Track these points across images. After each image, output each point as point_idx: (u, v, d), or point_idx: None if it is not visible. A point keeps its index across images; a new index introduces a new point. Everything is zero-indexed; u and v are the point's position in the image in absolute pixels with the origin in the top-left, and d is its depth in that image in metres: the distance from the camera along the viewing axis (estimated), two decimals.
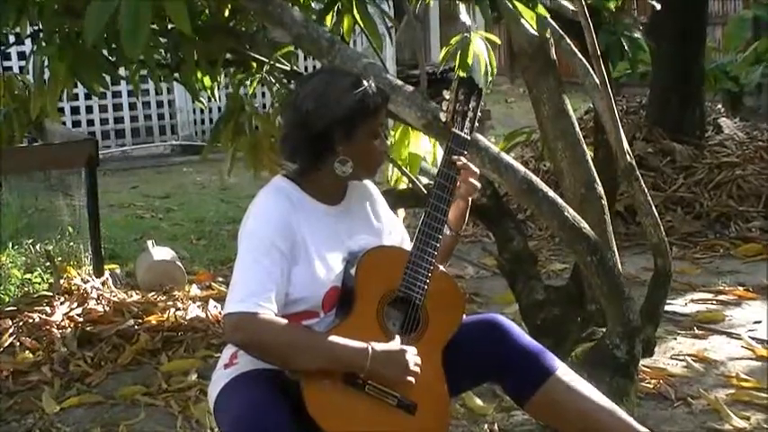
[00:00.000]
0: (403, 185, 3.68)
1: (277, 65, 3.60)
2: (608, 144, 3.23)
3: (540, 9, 2.85)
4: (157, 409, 3.41)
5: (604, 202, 3.22)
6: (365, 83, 2.19)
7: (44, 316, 4.21)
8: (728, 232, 5.60)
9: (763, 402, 3.26)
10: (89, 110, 9.85)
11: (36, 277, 4.85)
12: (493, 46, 3.01)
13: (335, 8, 3.34)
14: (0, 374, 3.70)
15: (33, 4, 3.08)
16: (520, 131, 4.22)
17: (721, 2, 13.29)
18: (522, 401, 2.34)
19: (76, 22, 3.10)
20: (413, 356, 2.14)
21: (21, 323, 4.15)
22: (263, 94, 9.64)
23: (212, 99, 4.04)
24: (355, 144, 2.19)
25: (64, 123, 8.90)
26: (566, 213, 2.85)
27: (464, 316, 2.34)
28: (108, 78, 3.33)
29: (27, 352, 3.90)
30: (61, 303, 4.37)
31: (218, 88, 3.92)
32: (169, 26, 3.20)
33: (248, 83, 3.88)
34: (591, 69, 3.01)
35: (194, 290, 4.75)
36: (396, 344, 2.14)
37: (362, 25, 3.25)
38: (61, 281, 4.64)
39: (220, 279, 4.94)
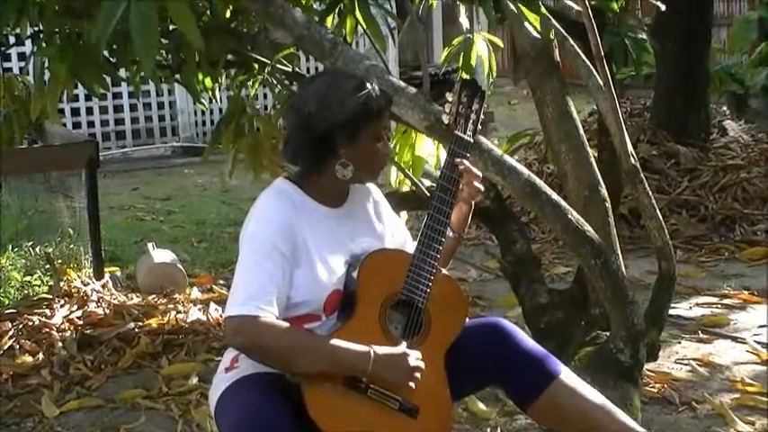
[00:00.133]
0: (406, 188, 3.68)
1: (279, 66, 3.60)
2: (612, 146, 3.23)
3: (544, 11, 2.85)
4: (158, 413, 3.41)
5: (608, 204, 3.22)
6: (368, 85, 2.19)
7: (44, 319, 4.21)
8: (733, 235, 5.60)
9: None
10: (89, 111, 9.86)
11: (36, 280, 4.86)
12: (496, 48, 3.02)
13: (337, 9, 3.34)
14: None
15: (34, 5, 3.09)
16: (523, 134, 4.22)
17: (726, 3, 13.30)
18: (525, 406, 2.34)
19: (77, 23, 3.11)
20: (415, 360, 2.14)
21: (20, 326, 4.15)
22: (265, 96, 9.66)
23: (213, 100, 4.04)
24: (358, 147, 2.19)
25: (64, 125, 8.91)
26: (569, 216, 2.85)
27: (467, 319, 2.34)
28: (108, 79, 3.34)
29: (27, 355, 3.90)
30: (61, 306, 4.37)
31: (220, 89, 3.93)
32: (170, 27, 3.20)
33: (249, 84, 3.88)
34: (595, 71, 3.01)
35: (195, 293, 4.75)
36: (398, 347, 2.14)
37: (365, 26, 3.25)
38: (61, 283, 4.64)
39: (221, 282, 4.94)
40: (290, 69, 3.67)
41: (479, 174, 2.33)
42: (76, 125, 9.72)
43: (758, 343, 3.90)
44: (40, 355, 3.89)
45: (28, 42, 3.52)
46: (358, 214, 2.32)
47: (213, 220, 6.80)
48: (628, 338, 2.93)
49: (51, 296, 4.51)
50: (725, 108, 7.72)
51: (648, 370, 3.40)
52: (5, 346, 3.95)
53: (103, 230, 5.10)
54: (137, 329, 4.13)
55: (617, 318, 2.93)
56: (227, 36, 3.50)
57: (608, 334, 3.05)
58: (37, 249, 5.23)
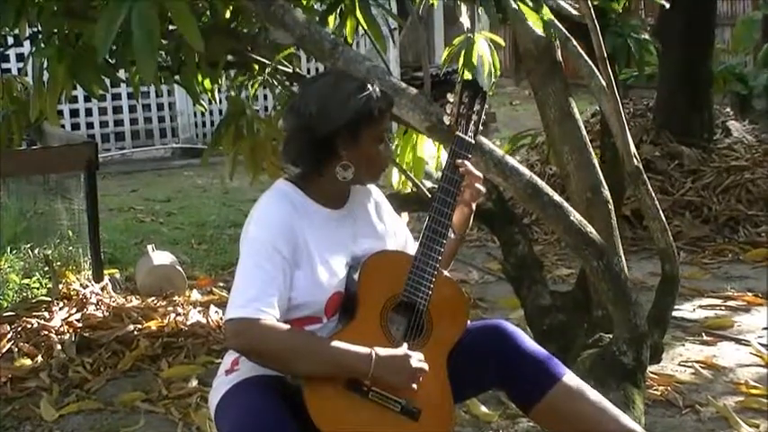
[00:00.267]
0: (407, 189, 3.68)
1: (279, 67, 3.60)
2: (615, 147, 3.23)
3: (546, 12, 2.85)
4: (157, 416, 3.41)
5: (611, 206, 3.22)
6: (369, 87, 2.20)
7: (43, 321, 4.21)
8: (737, 237, 5.60)
9: None
10: (88, 112, 9.88)
11: (34, 282, 4.86)
12: (498, 48, 3.02)
13: (338, 9, 3.34)
14: None
15: (32, 6, 3.09)
16: (525, 134, 4.23)
17: (730, 3, 13.30)
18: (528, 408, 2.34)
19: (76, 24, 3.12)
20: (417, 362, 2.14)
21: (19, 329, 4.16)
22: (265, 97, 9.68)
23: (213, 102, 4.04)
24: (359, 149, 2.19)
25: (63, 126, 8.91)
26: (571, 218, 2.85)
27: (468, 321, 2.34)
28: (107, 81, 3.34)
29: (25, 358, 3.90)
30: (60, 309, 4.38)
31: (219, 91, 3.93)
32: (170, 27, 3.21)
33: (249, 85, 3.88)
34: (597, 71, 3.01)
35: (195, 295, 4.76)
36: (400, 349, 2.15)
37: (366, 27, 3.25)
38: (60, 286, 4.64)
39: (221, 284, 4.95)
40: (290, 70, 3.67)
41: (480, 175, 2.33)
42: (75, 126, 9.73)
43: (762, 345, 3.89)
44: (39, 358, 3.89)
45: (27, 43, 3.52)
46: (359, 215, 2.32)
47: (213, 222, 6.80)
48: (631, 341, 2.92)
49: (50, 299, 4.51)
50: (728, 108, 7.71)
51: (652, 372, 3.40)
52: (4, 349, 3.95)
53: (102, 232, 5.11)
54: (136, 332, 4.13)
55: (620, 320, 2.93)
56: (227, 36, 3.50)
57: (611, 336, 3.05)
58: (35, 252, 5.23)
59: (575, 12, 3.06)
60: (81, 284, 4.69)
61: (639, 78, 5.24)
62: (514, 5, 2.78)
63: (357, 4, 3.19)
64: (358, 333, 2.14)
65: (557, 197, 2.85)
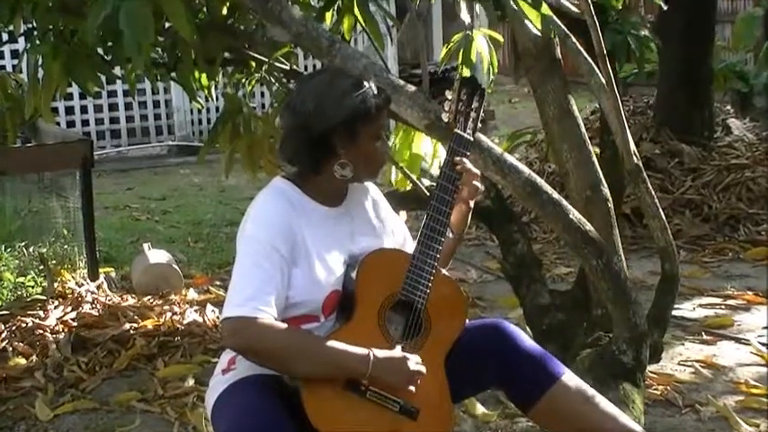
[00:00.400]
0: (405, 187, 3.68)
1: (276, 64, 3.60)
2: (614, 145, 3.23)
3: (545, 8, 2.85)
4: (153, 416, 3.41)
5: (610, 204, 3.22)
6: (366, 84, 2.20)
7: (37, 320, 4.22)
8: (738, 235, 5.60)
9: None
10: (84, 109, 9.86)
11: (29, 281, 4.86)
12: (496, 45, 3.02)
13: (336, 6, 3.34)
14: None
15: (27, 2, 3.09)
16: (524, 132, 4.22)
17: None
18: (527, 408, 2.35)
19: (71, 20, 3.11)
20: (415, 364, 2.14)
21: (14, 328, 4.16)
22: (262, 94, 9.67)
23: (210, 99, 4.04)
24: (357, 147, 2.19)
25: (58, 123, 8.90)
26: (571, 216, 2.86)
27: (467, 320, 2.34)
28: (103, 78, 3.34)
29: (20, 357, 3.90)
30: (55, 307, 4.38)
31: (216, 88, 3.93)
32: (166, 25, 3.20)
33: (246, 82, 3.88)
34: (597, 69, 3.01)
35: (191, 294, 4.76)
36: (398, 350, 2.15)
37: (363, 24, 3.25)
38: (55, 284, 4.64)
39: (218, 283, 4.95)
40: (287, 67, 3.67)
41: (479, 172, 2.34)
42: (71, 124, 9.72)
43: (762, 344, 3.90)
44: (34, 358, 3.89)
45: (21, 40, 3.52)
46: (357, 214, 2.33)
47: (210, 220, 6.80)
48: (630, 340, 2.93)
49: (45, 297, 4.51)
50: (729, 106, 7.71)
51: (651, 372, 3.41)
52: None
53: (98, 231, 5.10)
54: (132, 331, 4.13)
55: (619, 319, 2.94)
56: (224, 33, 3.50)
57: (610, 335, 3.06)
58: (30, 250, 5.23)
59: (574, 8, 3.06)
60: (76, 283, 4.69)
61: (639, 76, 5.25)
62: (513, 3, 2.78)
63: (355, 0, 3.19)
64: (355, 332, 2.14)
65: (556, 195, 2.85)
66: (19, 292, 4.72)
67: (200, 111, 10.18)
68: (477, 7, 3.06)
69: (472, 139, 2.34)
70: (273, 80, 3.76)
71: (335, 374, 2.09)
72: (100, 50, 3.22)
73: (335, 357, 2.08)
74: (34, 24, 3.31)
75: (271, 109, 3.99)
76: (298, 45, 3.10)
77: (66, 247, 5.15)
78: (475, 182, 2.31)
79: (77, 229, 5.05)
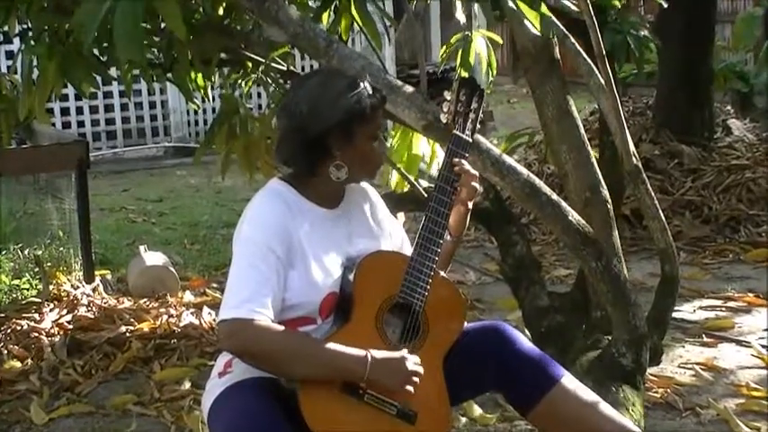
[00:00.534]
0: (403, 189, 3.68)
1: (273, 65, 3.60)
2: (613, 146, 3.23)
3: (544, 9, 2.85)
4: (149, 420, 3.41)
5: (610, 205, 3.22)
6: (361, 84, 2.19)
7: (33, 323, 4.21)
8: (738, 237, 5.61)
9: None
10: (79, 111, 9.86)
11: (24, 283, 4.86)
12: (495, 45, 3.02)
13: (333, 6, 3.34)
14: None
15: (22, 2, 3.08)
16: (522, 133, 4.22)
17: None
18: (526, 411, 2.34)
19: (66, 21, 3.11)
20: (413, 365, 2.14)
21: (9, 330, 4.16)
22: (259, 95, 9.67)
23: (206, 100, 4.04)
24: (353, 147, 2.19)
25: (53, 124, 8.90)
26: (570, 217, 2.86)
27: (466, 323, 2.34)
28: (99, 78, 3.34)
29: (15, 360, 3.90)
30: (50, 310, 4.37)
31: (212, 88, 3.92)
32: (162, 25, 3.20)
33: (243, 83, 3.88)
34: (596, 69, 3.01)
35: (188, 296, 4.75)
36: (396, 351, 2.15)
37: (361, 24, 3.25)
38: (50, 287, 4.64)
39: (215, 285, 4.94)
40: (284, 68, 3.67)
41: (477, 173, 2.34)
42: (66, 125, 9.71)
43: (763, 347, 3.90)
44: (29, 361, 3.89)
45: (16, 40, 3.51)
46: (354, 215, 2.32)
47: (206, 222, 6.80)
48: (630, 342, 2.93)
49: (40, 300, 4.51)
50: (729, 107, 7.72)
51: (651, 374, 3.41)
52: None
53: (94, 233, 5.10)
54: (128, 334, 4.13)
55: (619, 321, 2.94)
56: (220, 34, 3.50)
57: (610, 338, 3.05)
58: (26, 252, 5.23)
59: (573, 8, 3.06)
60: (72, 285, 4.69)
61: (639, 76, 5.25)
62: (511, 3, 2.78)
63: (352, 0, 3.19)
64: (353, 334, 2.14)
65: (555, 196, 2.85)
66: (14, 295, 4.72)
67: (196, 112, 10.18)
68: (476, 7, 3.06)
69: (471, 140, 2.34)
70: (270, 81, 3.76)
71: (333, 376, 2.09)
72: (95, 51, 3.22)
73: (333, 359, 2.08)
74: (29, 25, 3.31)
75: (268, 110, 3.99)
76: (295, 45, 3.09)
77: (61, 249, 5.14)
78: (473, 183, 2.31)
79: (73, 231, 5.05)
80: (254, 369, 2.11)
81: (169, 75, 3.65)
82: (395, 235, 2.42)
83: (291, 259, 2.14)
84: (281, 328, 2.08)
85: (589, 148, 3.27)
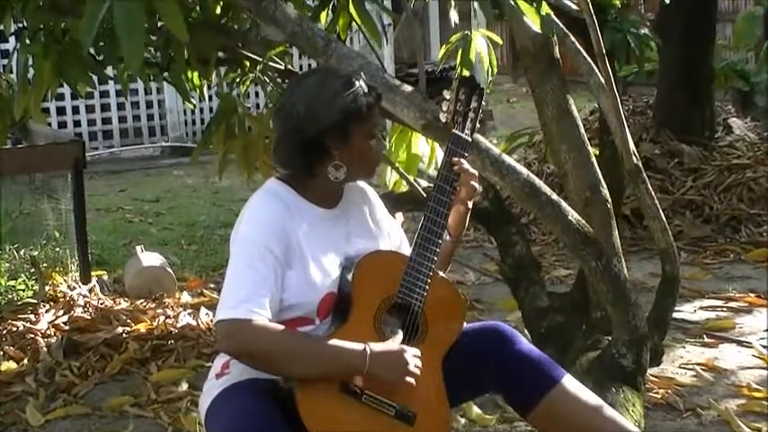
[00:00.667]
0: (402, 189, 3.68)
1: (271, 64, 3.60)
2: (613, 145, 3.24)
3: (544, 7, 2.85)
4: (146, 421, 3.41)
5: (610, 205, 3.22)
6: (356, 83, 2.19)
7: (29, 324, 4.21)
8: (739, 236, 5.61)
9: None
10: (75, 110, 9.86)
11: (20, 284, 4.86)
12: (495, 44, 3.02)
13: (331, 5, 3.34)
14: None
15: (17, 1, 3.08)
16: (522, 132, 4.22)
17: None
18: (525, 412, 2.35)
19: (62, 19, 3.11)
20: (412, 357, 2.13)
21: (4, 332, 4.16)
22: (257, 94, 9.67)
23: (203, 99, 4.04)
24: (350, 147, 2.19)
25: (49, 124, 8.90)
26: (570, 217, 2.86)
27: (465, 323, 2.34)
28: (95, 78, 3.34)
29: (11, 361, 3.90)
30: (46, 311, 4.38)
31: (210, 88, 3.92)
32: (159, 24, 3.20)
33: (240, 82, 3.88)
34: (596, 68, 3.01)
35: (185, 297, 4.76)
36: (394, 344, 2.14)
37: (359, 23, 3.25)
38: (47, 288, 4.64)
39: (212, 285, 4.94)
40: (282, 67, 3.67)
41: (476, 173, 2.34)
42: (62, 124, 9.71)
43: (764, 347, 3.90)
44: (25, 362, 3.89)
45: (11, 39, 3.51)
46: (353, 215, 2.33)
47: (203, 222, 6.80)
48: (630, 343, 2.93)
49: (36, 301, 4.51)
50: (730, 106, 7.73)
51: (652, 375, 3.41)
52: None
53: (90, 233, 5.10)
54: (125, 335, 4.13)
55: (619, 321, 2.94)
56: (218, 33, 3.50)
57: (610, 338, 3.06)
58: (21, 253, 5.23)
59: (573, 7, 3.07)
60: (68, 286, 4.69)
61: (639, 75, 5.26)
62: (511, 1, 2.78)
63: None
64: (351, 335, 2.14)
65: (554, 196, 2.86)
66: (10, 296, 4.72)
67: (193, 111, 10.18)
68: (475, 5, 3.07)
69: (470, 139, 2.34)
70: (268, 80, 3.76)
71: (333, 373, 2.09)
72: (91, 50, 3.22)
73: (332, 356, 2.08)
74: (25, 24, 3.31)
75: (266, 109, 3.99)
76: (293, 44, 3.10)
77: (57, 249, 5.14)
78: (473, 182, 2.32)
79: (69, 232, 5.05)
80: (252, 370, 2.12)
81: (166, 74, 3.65)
82: (393, 235, 2.42)
83: (289, 259, 2.14)
84: (279, 327, 2.08)
85: (589, 147, 3.27)
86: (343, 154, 2.20)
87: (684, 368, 3.72)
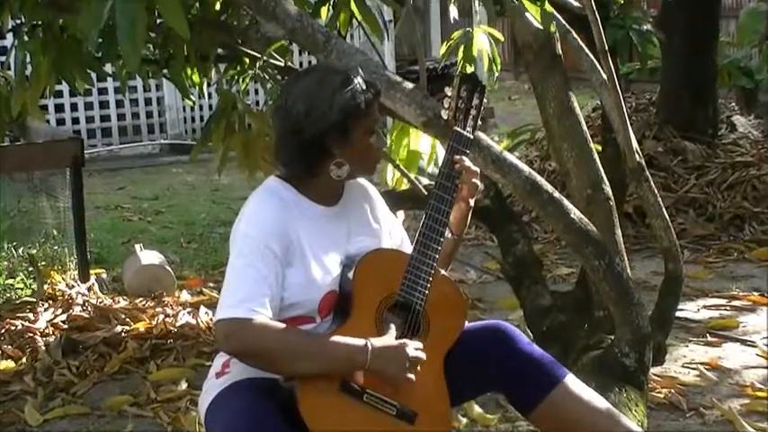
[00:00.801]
0: (403, 186, 3.68)
1: (270, 60, 3.60)
2: (616, 143, 3.24)
3: (546, 4, 2.85)
4: (146, 420, 3.41)
5: (612, 203, 3.22)
6: (354, 80, 2.19)
7: (27, 323, 4.21)
8: (743, 235, 5.61)
9: None
10: (74, 107, 9.86)
11: (18, 282, 4.86)
12: (495, 41, 3.02)
13: (331, 1, 3.34)
14: None
15: None
16: (524, 130, 4.22)
17: None
18: (527, 412, 2.34)
19: (61, 16, 3.11)
20: (414, 350, 2.13)
21: (3, 330, 4.16)
22: (257, 91, 9.67)
23: (203, 96, 4.04)
24: (351, 145, 2.19)
25: (48, 121, 8.90)
26: (572, 215, 2.86)
27: (466, 322, 2.34)
28: (93, 75, 3.33)
29: (9, 361, 3.90)
30: (45, 310, 4.37)
31: (209, 85, 3.92)
32: (158, 21, 3.20)
33: (240, 80, 3.88)
34: (598, 65, 3.01)
35: (184, 295, 4.76)
36: (395, 338, 2.14)
37: (360, 19, 3.25)
38: (45, 286, 4.64)
39: (211, 284, 4.94)
40: (282, 64, 3.67)
41: (478, 170, 2.33)
42: (60, 122, 9.71)
43: None
44: (23, 361, 3.89)
45: (9, 36, 3.51)
46: (354, 213, 2.32)
47: (203, 221, 6.80)
48: (633, 342, 2.93)
49: (35, 299, 4.51)
50: (734, 103, 7.72)
51: (655, 374, 3.41)
52: None
53: (89, 231, 5.10)
54: (124, 334, 4.13)
55: (622, 320, 2.94)
56: (217, 29, 3.50)
57: (612, 337, 3.06)
58: (20, 251, 5.23)
59: (575, 3, 3.07)
60: (67, 285, 4.69)
61: (642, 72, 5.26)
62: None
63: None
64: (352, 333, 2.13)
65: (556, 194, 2.85)
66: (8, 294, 4.72)
67: (192, 108, 10.19)
68: (477, 3, 3.06)
69: (472, 137, 2.34)
70: (268, 77, 3.76)
71: (335, 369, 2.09)
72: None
73: (333, 351, 2.08)
74: (23, 20, 3.30)
75: (266, 106, 3.99)
76: (293, 41, 3.09)
77: (56, 248, 5.14)
78: (475, 180, 2.31)
79: (68, 230, 5.05)
80: (252, 369, 2.12)
81: (165, 71, 3.65)
82: (394, 234, 2.42)
83: (290, 258, 2.14)
84: (280, 325, 2.08)
85: (591, 144, 3.27)
86: (344, 152, 2.19)
87: (688, 367, 3.72)
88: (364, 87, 2.20)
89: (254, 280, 2.07)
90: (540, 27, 3.02)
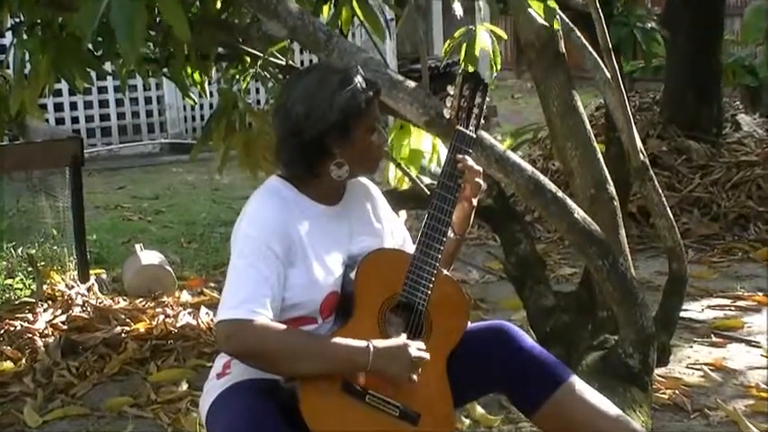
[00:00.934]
0: (405, 186, 3.68)
1: (271, 59, 3.60)
2: (620, 142, 3.24)
3: (551, 2, 2.85)
4: (146, 422, 3.41)
5: (616, 203, 3.22)
6: (354, 79, 2.19)
7: (26, 323, 4.21)
8: (747, 234, 5.61)
9: None
10: (73, 106, 9.86)
11: (18, 283, 4.86)
12: (498, 39, 3.01)
13: None
14: None
15: None
16: (527, 129, 4.23)
17: None
18: (531, 413, 2.35)
19: (60, 14, 3.11)
20: (417, 350, 2.13)
21: (2, 331, 4.16)
22: (258, 90, 9.67)
23: (203, 95, 4.04)
24: (352, 144, 2.19)
25: (47, 120, 8.90)
26: (575, 215, 2.86)
27: (469, 323, 2.34)
28: (93, 73, 3.33)
29: (8, 362, 3.90)
30: (44, 310, 4.38)
31: (210, 84, 3.92)
32: (158, 19, 3.20)
33: (241, 78, 3.88)
34: (602, 63, 3.01)
35: (185, 296, 4.76)
36: (397, 339, 2.14)
37: (362, 17, 3.25)
38: (44, 286, 4.64)
39: (212, 284, 4.95)
40: (283, 62, 3.67)
41: (481, 170, 2.33)
42: (60, 121, 9.72)
43: None
44: (23, 362, 3.89)
45: (9, 34, 3.52)
46: (355, 212, 2.32)
47: (203, 220, 6.80)
48: (637, 342, 2.93)
49: (34, 300, 4.51)
50: (738, 102, 7.72)
51: (659, 375, 3.41)
52: None
53: (89, 231, 5.10)
54: (123, 334, 4.13)
55: (626, 321, 2.94)
56: (218, 28, 3.50)
57: (616, 338, 3.06)
58: (19, 251, 5.23)
59: (579, 1, 3.07)
60: (66, 285, 4.69)
61: (646, 71, 5.26)
62: None
63: None
64: (354, 334, 2.14)
65: (560, 194, 2.85)
66: (7, 295, 4.72)
67: (193, 108, 10.19)
68: (480, 0, 3.06)
69: (474, 136, 2.34)
70: (269, 76, 3.76)
71: (336, 370, 2.09)
72: (89, 45, 3.22)
73: (335, 352, 2.08)
74: (22, 18, 3.31)
75: (266, 105, 3.99)
76: (294, 39, 3.09)
77: (55, 248, 5.15)
78: (477, 179, 2.31)
79: (67, 230, 5.05)
80: (253, 370, 2.12)
81: (165, 70, 3.65)
82: (396, 234, 2.42)
83: (291, 258, 2.14)
84: (281, 326, 2.08)
85: (595, 144, 3.27)
86: (345, 152, 2.19)
87: (692, 368, 3.72)
88: (364, 86, 2.20)
89: (256, 281, 2.07)
90: (544, 24, 3.02)
